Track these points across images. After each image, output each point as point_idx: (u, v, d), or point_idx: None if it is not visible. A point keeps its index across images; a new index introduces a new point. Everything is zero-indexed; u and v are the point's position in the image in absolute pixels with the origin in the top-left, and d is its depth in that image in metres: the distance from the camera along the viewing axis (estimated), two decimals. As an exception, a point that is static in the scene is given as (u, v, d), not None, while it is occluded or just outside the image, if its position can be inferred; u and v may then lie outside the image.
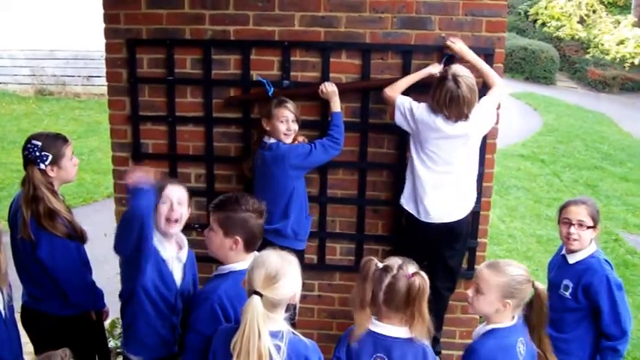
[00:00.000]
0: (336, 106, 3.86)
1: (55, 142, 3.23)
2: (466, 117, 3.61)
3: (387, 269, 2.56)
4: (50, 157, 3.17)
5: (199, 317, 2.68)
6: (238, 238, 2.73)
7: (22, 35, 13.92)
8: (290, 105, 3.81)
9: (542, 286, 2.71)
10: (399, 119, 3.79)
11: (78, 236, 3.24)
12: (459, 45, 3.78)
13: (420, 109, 3.70)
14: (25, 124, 12.02)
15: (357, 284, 2.60)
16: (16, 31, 13.95)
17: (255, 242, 2.78)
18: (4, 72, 14.86)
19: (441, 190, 3.73)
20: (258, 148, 3.87)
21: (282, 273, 2.33)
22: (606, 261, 3.41)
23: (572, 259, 3.46)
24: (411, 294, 2.51)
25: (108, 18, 4.11)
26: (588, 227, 3.38)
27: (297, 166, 3.79)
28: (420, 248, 3.79)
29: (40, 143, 3.17)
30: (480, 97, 3.71)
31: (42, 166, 3.15)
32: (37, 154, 3.15)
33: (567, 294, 3.40)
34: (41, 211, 3.09)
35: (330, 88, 3.86)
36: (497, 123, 3.92)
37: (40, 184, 3.12)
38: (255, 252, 2.75)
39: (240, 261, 2.74)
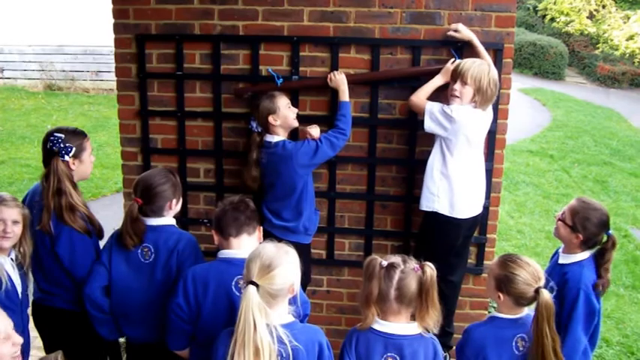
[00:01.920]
0: (345, 95, 3.83)
1: (76, 135, 3.25)
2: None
3: (393, 266, 2.56)
4: (74, 149, 3.18)
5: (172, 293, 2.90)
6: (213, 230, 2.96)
7: (31, 31, 13.98)
8: (283, 93, 3.85)
9: (549, 296, 2.59)
10: (429, 126, 3.68)
11: (96, 232, 3.26)
12: (465, 32, 3.78)
13: (456, 110, 3.59)
14: (34, 120, 12.07)
15: (364, 283, 2.61)
16: (24, 26, 14.00)
17: (222, 226, 2.88)
18: (13, 67, 14.92)
19: (473, 185, 3.73)
20: (261, 147, 3.83)
21: (277, 262, 2.36)
22: (594, 285, 3.11)
23: (562, 260, 3.27)
24: (424, 286, 2.52)
25: (117, 13, 4.12)
26: (566, 224, 3.19)
27: (306, 165, 3.75)
28: (449, 248, 3.81)
29: (62, 135, 3.18)
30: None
31: (66, 157, 3.16)
32: (62, 145, 3.16)
33: (552, 296, 3.24)
34: (63, 205, 3.09)
35: (338, 77, 3.85)
36: (503, 118, 3.94)
37: (63, 176, 3.13)
38: (244, 236, 2.87)
39: (223, 249, 2.88)
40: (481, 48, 3.77)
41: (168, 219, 3.16)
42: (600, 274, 3.12)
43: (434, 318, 2.56)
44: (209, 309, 2.76)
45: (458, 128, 3.59)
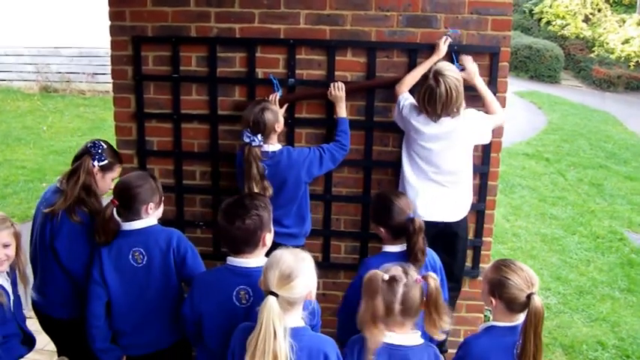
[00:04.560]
0: (343, 111, 3.86)
1: (114, 155, 3.39)
2: (446, 115, 3.58)
3: (395, 279, 2.49)
4: (105, 162, 3.29)
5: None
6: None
7: (27, 32, 13.95)
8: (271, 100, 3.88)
9: (540, 303, 2.55)
10: (395, 116, 3.83)
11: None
12: (469, 70, 3.76)
13: (408, 107, 3.70)
14: (29, 121, 12.05)
15: (366, 301, 2.52)
16: (21, 27, 13.97)
17: (228, 243, 2.79)
18: (9, 69, 14.88)
19: (426, 191, 3.70)
20: (261, 160, 3.68)
21: (297, 272, 2.35)
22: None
23: None
24: (430, 297, 2.49)
25: (113, 15, 4.12)
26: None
27: (313, 174, 3.75)
28: None
29: (105, 146, 3.32)
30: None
31: (95, 163, 3.25)
32: (99, 151, 3.27)
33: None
34: (84, 197, 3.20)
35: (338, 93, 3.86)
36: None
37: (90, 176, 3.22)
38: (249, 249, 2.75)
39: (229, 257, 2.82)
40: (479, 85, 3.78)
41: (151, 220, 3.12)
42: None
43: (447, 322, 2.54)
44: (212, 315, 2.73)
45: (404, 125, 3.72)
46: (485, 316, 4.37)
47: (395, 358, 2.50)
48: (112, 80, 4.25)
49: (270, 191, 3.64)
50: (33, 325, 3.22)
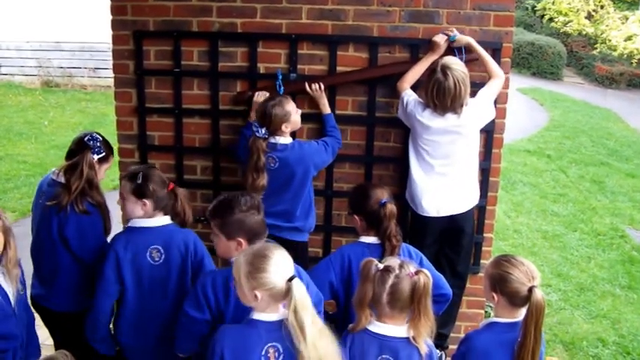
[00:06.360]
0: (326, 107, 3.94)
1: (108, 147, 3.39)
2: (453, 110, 3.59)
3: (388, 270, 2.49)
4: (103, 155, 3.30)
5: (187, 297, 2.79)
6: (241, 239, 2.73)
7: (29, 27, 13.93)
8: (288, 96, 3.84)
9: (541, 296, 2.55)
10: (400, 113, 3.83)
11: (106, 229, 3.33)
12: (465, 39, 3.77)
13: (412, 104, 3.71)
14: (31, 116, 12.04)
15: (359, 285, 2.55)
16: (22, 22, 13.96)
17: (258, 237, 2.74)
18: (11, 63, 14.86)
19: (434, 186, 3.71)
20: (265, 152, 3.68)
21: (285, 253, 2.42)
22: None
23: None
24: (415, 293, 2.45)
25: (115, 9, 4.11)
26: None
27: (319, 164, 3.81)
28: (425, 245, 3.77)
29: (101, 139, 3.32)
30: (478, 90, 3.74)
31: (94, 156, 3.25)
32: (97, 144, 3.27)
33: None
34: (87, 191, 3.19)
35: (317, 93, 3.93)
36: (500, 117, 3.92)
37: (92, 169, 3.22)
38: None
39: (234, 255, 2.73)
40: (478, 49, 3.76)
41: (168, 218, 3.12)
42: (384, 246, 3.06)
43: (426, 327, 2.50)
44: (232, 314, 2.66)
45: (409, 121, 3.74)
46: (485, 312, 4.36)
47: (384, 348, 2.50)
48: (113, 75, 4.25)
49: (263, 182, 3.64)
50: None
